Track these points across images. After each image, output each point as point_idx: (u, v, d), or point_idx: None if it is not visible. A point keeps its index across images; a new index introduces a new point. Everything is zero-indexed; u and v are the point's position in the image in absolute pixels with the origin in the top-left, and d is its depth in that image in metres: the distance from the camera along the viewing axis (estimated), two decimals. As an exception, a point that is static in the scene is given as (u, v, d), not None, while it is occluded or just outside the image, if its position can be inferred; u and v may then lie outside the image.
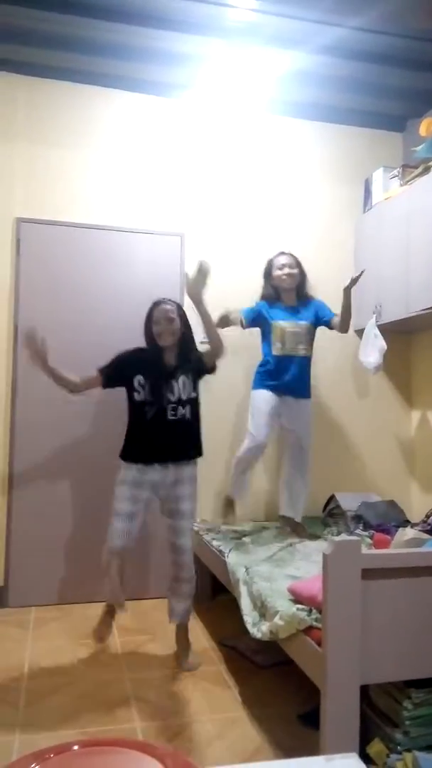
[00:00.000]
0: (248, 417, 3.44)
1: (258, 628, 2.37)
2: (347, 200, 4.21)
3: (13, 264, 3.63)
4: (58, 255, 3.69)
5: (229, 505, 3.47)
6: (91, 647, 2.96)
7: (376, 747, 1.96)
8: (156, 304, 2.84)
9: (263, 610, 2.39)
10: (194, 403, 2.84)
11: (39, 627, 3.24)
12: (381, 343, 3.71)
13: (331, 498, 3.86)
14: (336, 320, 3.45)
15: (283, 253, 3.45)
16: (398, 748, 1.91)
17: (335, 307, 4.12)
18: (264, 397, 3.39)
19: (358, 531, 3.45)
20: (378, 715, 2.04)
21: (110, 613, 2.94)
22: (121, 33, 3.30)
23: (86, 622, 3.27)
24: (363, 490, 3.98)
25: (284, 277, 3.38)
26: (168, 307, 2.82)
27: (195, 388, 2.85)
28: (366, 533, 3.33)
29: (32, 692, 2.54)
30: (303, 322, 3.43)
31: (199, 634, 3.16)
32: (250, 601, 2.55)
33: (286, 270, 3.39)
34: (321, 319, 3.48)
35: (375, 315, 3.80)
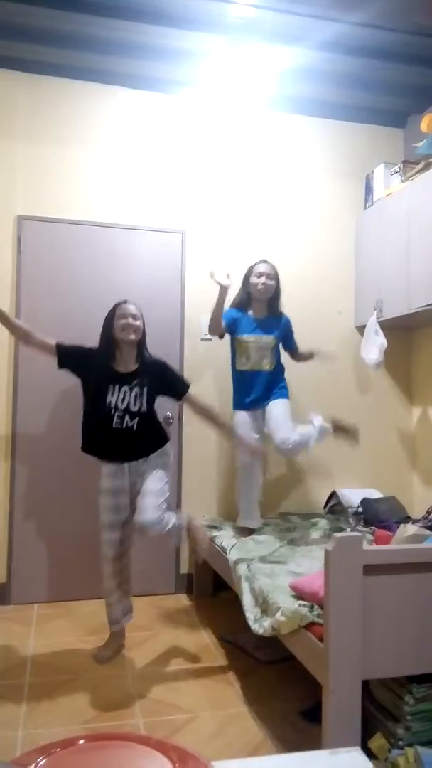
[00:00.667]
0: None
1: (260, 624, 2.38)
2: (348, 196, 4.20)
3: (14, 261, 3.63)
4: (59, 252, 3.69)
5: (247, 534, 3.36)
6: (93, 644, 2.97)
7: (377, 742, 1.97)
8: (120, 303, 2.86)
9: (265, 606, 2.40)
10: (145, 417, 2.78)
11: (41, 624, 3.25)
12: (381, 340, 3.72)
13: (333, 494, 3.87)
14: (297, 354, 3.56)
15: (264, 262, 3.43)
16: (400, 743, 1.92)
17: (339, 301, 4.13)
18: (241, 418, 3.39)
19: (359, 527, 3.46)
20: (379, 710, 2.06)
21: (116, 634, 2.89)
22: (121, 30, 3.30)
23: (88, 618, 3.29)
24: (364, 486, 3.99)
25: (260, 286, 3.35)
26: (132, 306, 2.84)
27: (149, 403, 2.79)
28: (367, 529, 3.34)
29: (35, 689, 2.55)
30: (268, 337, 3.39)
31: (200, 630, 3.17)
32: (252, 598, 2.56)
33: (263, 279, 3.35)
34: (285, 343, 3.51)
35: (376, 312, 3.80)
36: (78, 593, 3.57)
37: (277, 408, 3.33)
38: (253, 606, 2.52)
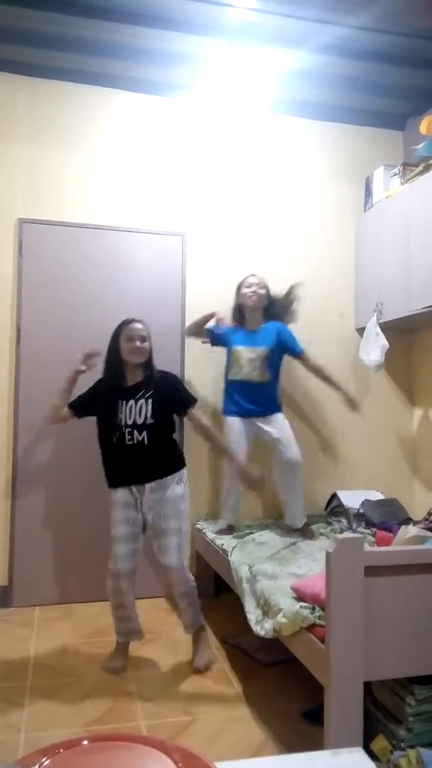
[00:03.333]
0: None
1: (261, 626, 2.38)
2: (348, 199, 4.21)
3: (15, 264, 3.64)
4: (59, 255, 3.70)
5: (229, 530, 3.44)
6: (95, 646, 2.97)
7: (379, 743, 1.97)
8: (128, 322, 2.79)
9: (266, 608, 2.40)
10: (153, 429, 2.71)
11: (43, 626, 3.25)
12: (382, 342, 3.72)
13: (334, 496, 3.87)
14: (305, 358, 3.53)
15: (253, 275, 3.50)
16: (402, 744, 1.92)
17: (339, 303, 4.12)
18: (233, 425, 3.42)
19: (360, 529, 3.46)
20: (381, 711, 2.06)
21: (125, 644, 2.85)
22: (121, 33, 3.31)
23: (90, 621, 3.29)
24: (365, 488, 3.99)
25: (250, 294, 3.42)
26: (140, 326, 2.78)
27: (156, 413, 2.71)
28: (368, 531, 3.34)
29: (37, 691, 2.55)
30: (261, 348, 3.42)
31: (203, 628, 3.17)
32: (254, 599, 2.56)
33: (254, 288, 3.42)
34: (287, 349, 3.51)
35: (376, 313, 3.80)
36: (80, 596, 3.57)
37: (284, 424, 3.46)
38: (255, 608, 2.52)
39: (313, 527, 3.53)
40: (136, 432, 2.70)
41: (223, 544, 3.19)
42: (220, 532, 3.42)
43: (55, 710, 2.39)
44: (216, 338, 3.54)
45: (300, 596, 2.26)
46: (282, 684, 2.62)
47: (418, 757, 1.86)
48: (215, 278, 3.89)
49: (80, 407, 2.89)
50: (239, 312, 3.51)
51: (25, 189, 3.68)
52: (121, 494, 2.76)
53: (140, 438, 2.70)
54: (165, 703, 2.46)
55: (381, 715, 2.04)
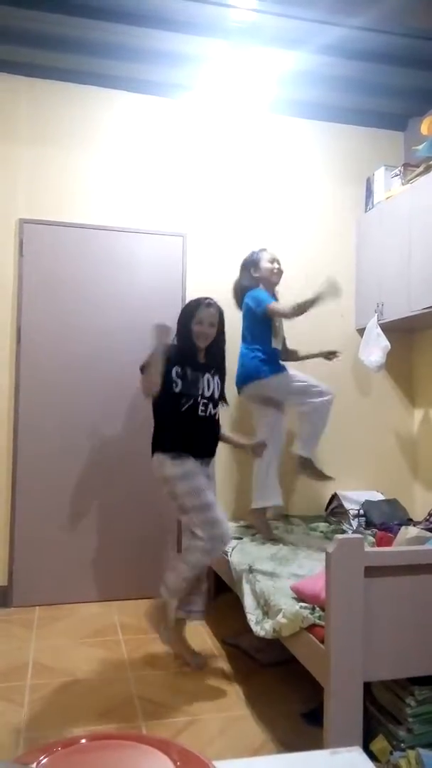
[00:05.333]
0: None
1: (261, 626, 2.38)
2: (349, 199, 4.21)
3: (16, 265, 3.64)
4: (60, 256, 3.70)
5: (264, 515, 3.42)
6: (95, 646, 2.96)
7: (379, 744, 1.97)
8: (203, 305, 2.81)
9: (266, 609, 2.40)
10: (218, 405, 2.86)
11: (43, 626, 3.25)
12: (384, 342, 3.72)
13: (334, 497, 3.87)
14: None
15: (264, 249, 3.48)
16: (401, 745, 1.92)
17: (340, 303, 4.12)
18: (283, 378, 3.40)
19: (360, 529, 3.46)
20: (381, 712, 2.05)
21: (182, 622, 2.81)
22: (122, 34, 3.31)
23: (90, 621, 3.29)
24: (366, 488, 3.99)
25: (277, 270, 3.42)
26: (214, 311, 2.83)
27: (223, 392, 2.89)
28: (369, 532, 3.34)
29: (36, 691, 2.55)
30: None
31: (202, 633, 3.17)
32: (254, 600, 2.56)
33: (277, 265, 3.43)
34: None
35: (377, 314, 3.80)
36: (79, 596, 3.57)
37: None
38: (255, 608, 2.52)
39: (312, 525, 3.54)
40: (210, 405, 2.78)
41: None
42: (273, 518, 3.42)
43: (54, 710, 2.39)
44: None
45: (300, 596, 2.26)
46: (282, 684, 2.61)
47: (417, 758, 1.86)
48: (216, 279, 3.89)
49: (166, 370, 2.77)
50: (256, 283, 3.42)
51: (26, 189, 3.68)
52: (192, 464, 2.71)
53: (213, 411, 2.80)
54: (165, 703, 2.46)
55: (381, 716, 2.04)
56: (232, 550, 3.06)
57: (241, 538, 3.28)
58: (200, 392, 2.76)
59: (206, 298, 2.85)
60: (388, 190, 3.89)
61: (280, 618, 2.22)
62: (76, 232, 3.73)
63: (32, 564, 3.56)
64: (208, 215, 3.96)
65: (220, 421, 2.93)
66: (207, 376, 2.80)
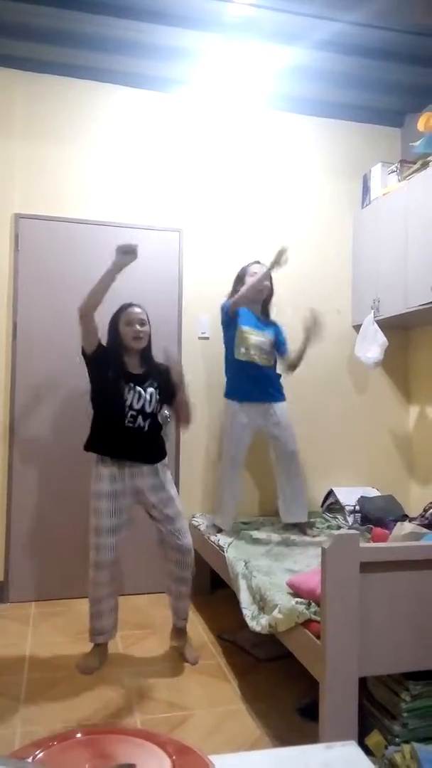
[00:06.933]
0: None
1: (257, 622, 2.38)
2: (345, 196, 4.21)
3: (11, 260, 3.62)
4: (56, 251, 3.69)
5: (218, 531, 3.39)
6: (87, 641, 2.97)
7: (374, 738, 1.98)
8: (127, 306, 2.81)
9: (262, 604, 2.41)
10: (155, 420, 2.79)
11: (39, 622, 3.25)
12: (382, 339, 3.72)
13: (330, 493, 3.88)
14: (287, 360, 3.48)
15: (258, 263, 3.46)
16: (396, 739, 1.93)
17: (336, 300, 4.12)
18: (236, 409, 3.38)
19: (356, 525, 3.47)
20: (376, 707, 2.06)
21: (103, 646, 2.80)
22: (118, 28, 3.30)
23: (86, 617, 3.28)
24: (361, 484, 4.00)
25: (258, 286, 3.35)
26: (139, 309, 2.81)
27: (162, 406, 2.82)
28: (364, 527, 3.35)
29: (33, 686, 2.55)
30: (268, 333, 3.41)
31: (198, 628, 3.18)
32: (249, 595, 2.56)
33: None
34: (278, 347, 3.48)
35: (373, 310, 3.81)
36: (75, 591, 3.56)
37: (286, 414, 3.42)
38: (251, 603, 2.52)
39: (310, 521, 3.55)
40: (140, 417, 2.73)
41: (218, 540, 3.20)
42: (214, 528, 3.41)
43: (50, 705, 2.39)
44: (233, 315, 3.40)
45: (296, 592, 2.26)
46: (277, 680, 2.62)
47: (412, 753, 1.87)
48: (212, 274, 3.89)
49: (101, 351, 2.75)
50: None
51: (22, 184, 3.66)
52: (108, 482, 2.71)
53: (142, 424, 2.74)
54: (160, 698, 2.47)
55: (376, 711, 2.05)
56: (228, 545, 3.06)
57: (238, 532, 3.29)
58: (127, 403, 2.70)
59: (129, 302, 2.84)
60: (385, 186, 3.89)
61: (275, 613, 2.22)
62: (71, 227, 3.71)
63: (28, 560, 3.56)
64: (205, 210, 3.95)
65: (159, 432, 2.85)
66: (140, 389, 2.73)
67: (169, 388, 2.83)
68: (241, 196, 4.01)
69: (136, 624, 3.20)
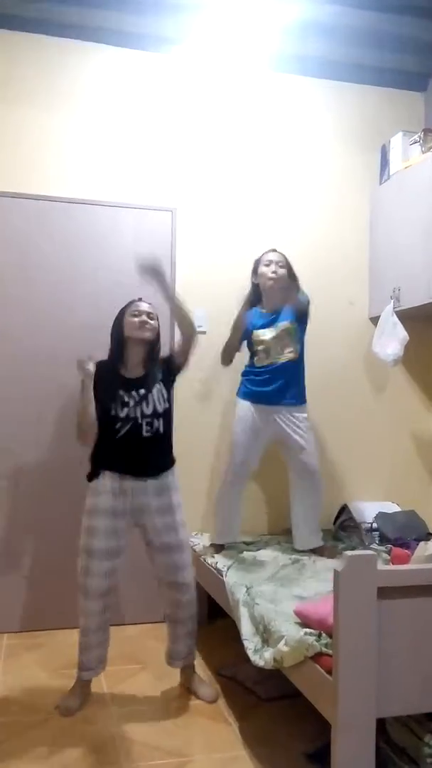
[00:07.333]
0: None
1: (260, 656, 2.39)
2: (361, 170, 4.22)
3: (-20, 243, 3.63)
4: (31, 233, 3.69)
5: (217, 551, 3.41)
6: (70, 678, 2.97)
7: (394, 788, 1.98)
8: (135, 300, 2.91)
9: (266, 635, 2.41)
10: (167, 415, 2.85)
11: (11, 656, 3.26)
12: (402, 333, 3.73)
13: (344, 508, 3.88)
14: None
15: (273, 250, 3.46)
16: (419, 788, 1.93)
17: (351, 289, 4.10)
18: (245, 411, 3.41)
19: (373, 545, 3.47)
20: (395, 751, 2.07)
21: (86, 683, 2.82)
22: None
23: (63, 649, 3.29)
24: (379, 499, 4.00)
25: (270, 274, 3.37)
26: (148, 304, 2.89)
27: (168, 398, 2.87)
28: (383, 548, 3.35)
29: (6, 729, 2.55)
30: (283, 323, 3.39)
31: (195, 664, 3.17)
32: (252, 625, 2.56)
33: (273, 267, 3.38)
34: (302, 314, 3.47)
35: (393, 300, 3.81)
36: (53, 622, 3.57)
37: (306, 423, 3.45)
38: (253, 635, 2.53)
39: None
40: (155, 420, 2.78)
41: (217, 563, 3.20)
42: (211, 549, 3.42)
43: (24, 753, 2.39)
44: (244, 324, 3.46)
45: (304, 621, 2.27)
46: (283, 721, 2.63)
47: (437, 804, 1.88)
48: (209, 259, 3.90)
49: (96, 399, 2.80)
50: (256, 291, 3.47)
51: (-8, 157, 3.67)
52: (109, 498, 2.75)
53: (157, 425, 2.79)
54: (151, 743, 2.47)
55: (395, 756, 2.05)
56: (228, 569, 3.07)
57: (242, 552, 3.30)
58: (141, 413, 2.75)
59: (139, 297, 2.93)
60: (407, 158, 3.90)
61: (281, 646, 2.22)
62: (50, 206, 3.71)
63: (0, 587, 3.56)
64: (201, 188, 3.96)
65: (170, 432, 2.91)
66: (147, 392, 2.79)
67: (171, 373, 2.92)
68: (242, 170, 4.02)
69: (123, 658, 3.20)
